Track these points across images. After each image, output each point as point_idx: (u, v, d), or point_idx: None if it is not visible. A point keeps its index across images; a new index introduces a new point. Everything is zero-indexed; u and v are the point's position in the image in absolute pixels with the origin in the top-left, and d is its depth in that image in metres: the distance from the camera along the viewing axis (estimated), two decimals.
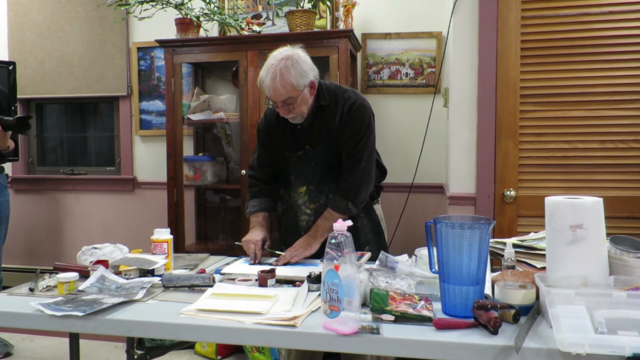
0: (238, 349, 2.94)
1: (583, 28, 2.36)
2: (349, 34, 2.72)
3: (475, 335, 1.15)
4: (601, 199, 1.33)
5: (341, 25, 2.91)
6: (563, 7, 2.38)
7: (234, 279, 1.63)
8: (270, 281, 1.55)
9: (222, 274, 1.70)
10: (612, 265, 1.34)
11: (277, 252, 1.91)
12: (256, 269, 1.65)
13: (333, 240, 1.19)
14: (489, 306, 1.19)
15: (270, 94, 1.80)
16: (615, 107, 2.36)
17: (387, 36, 3.10)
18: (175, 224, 2.96)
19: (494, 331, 1.14)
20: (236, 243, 2.07)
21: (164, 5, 2.88)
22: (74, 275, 1.54)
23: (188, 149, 3.25)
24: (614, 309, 1.11)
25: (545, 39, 2.40)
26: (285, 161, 2.01)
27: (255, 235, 1.93)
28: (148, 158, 3.51)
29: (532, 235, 1.73)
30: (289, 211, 2.05)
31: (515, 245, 1.59)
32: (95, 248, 1.79)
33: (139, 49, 3.46)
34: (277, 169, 2.05)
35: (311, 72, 1.83)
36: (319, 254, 1.84)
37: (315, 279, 1.46)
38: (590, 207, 1.30)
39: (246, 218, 2.85)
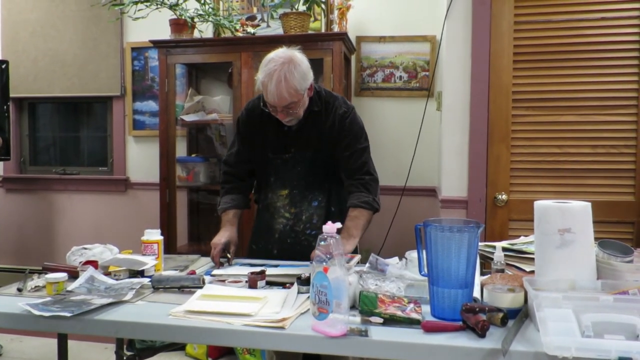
0: (229, 351, 2.93)
1: (575, 34, 2.38)
2: (343, 36, 2.73)
3: (463, 338, 1.16)
4: (589, 204, 1.33)
5: (336, 28, 2.91)
6: (556, 13, 2.39)
7: (224, 281, 1.63)
8: (260, 283, 1.55)
9: (212, 275, 1.70)
10: (600, 269, 1.35)
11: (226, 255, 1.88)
12: (247, 271, 1.64)
13: (322, 243, 1.19)
14: (477, 309, 1.19)
15: (274, 100, 1.73)
16: (606, 112, 2.37)
17: (381, 39, 3.11)
18: (167, 225, 2.95)
19: (482, 334, 1.15)
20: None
21: (159, 6, 2.87)
22: (62, 275, 1.53)
23: (181, 149, 3.25)
24: (601, 313, 1.12)
25: (538, 44, 2.41)
26: (264, 161, 1.97)
27: (219, 238, 1.87)
28: (141, 159, 3.50)
29: (522, 239, 1.73)
30: (265, 212, 2.01)
31: (505, 249, 1.60)
32: (85, 248, 1.78)
33: (133, 49, 3.44)
34: (254, 166, 2.02)
35: (310, 74, 1.79)
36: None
37: (305, 281, 1.46)
38: (578, 211, 1.31)
39: (239, 220, 2.87)
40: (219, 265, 1.82)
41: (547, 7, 2.40)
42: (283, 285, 1.57)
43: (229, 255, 1.87)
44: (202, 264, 1.92)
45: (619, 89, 2.36)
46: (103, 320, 1.31)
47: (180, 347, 2.96)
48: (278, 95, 1.71)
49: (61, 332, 1.58)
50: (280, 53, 1.77)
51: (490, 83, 2.43)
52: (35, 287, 1.56)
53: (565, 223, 1.30)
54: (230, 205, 1.99)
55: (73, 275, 1.63)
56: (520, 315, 1.26)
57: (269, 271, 1.66)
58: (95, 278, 1.58)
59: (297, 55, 1.77)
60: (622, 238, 2.25)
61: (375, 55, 3.13)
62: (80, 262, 1.68)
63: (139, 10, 2.86)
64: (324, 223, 1.27)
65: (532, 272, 1.47)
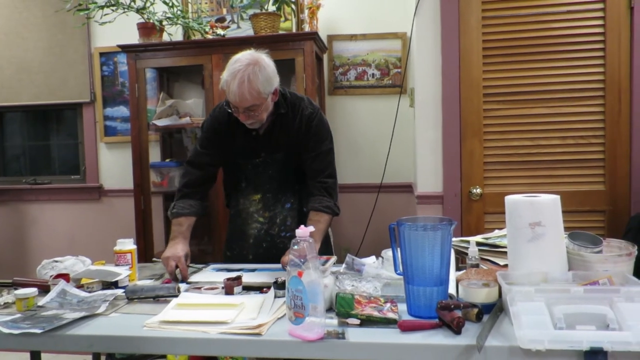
0: (211, 356, 2.90)
1: (542, 27, 2.42)
2: (314, 36, 2.72)
3: (439, 335, 1.16)
4: (558, 197, 1.35)
5: (306, 28, 2.91)
6: (522, 7, 2.43)
7: (200, 288, 1.61)
8: (237, 288, 1.53)
9: (188, 283, 1.67)
10: (571, 260, 1.37)
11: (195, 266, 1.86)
12: (223, 277, 1.62)
13: (296, 247, 1.19)
14: (452, 306, 1.20)
15: (235, 99, 1.72)
16: (575, 104, 2.42)
17: (352, 37, 3.11)
18: (143, 232, 2.91)
19: (457, 331, 1.15)
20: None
21: (125, 10, 2.82)
22: (32, 290, 1.48)
23: (155, 155, 3.20)
24: (572, 304, 1.13)
25: (506, 38, 2.44)
26: (233, 167, 1.95)
27: (177, 251, 1.78)
28: (114, 165, 3.44)
29: (496, 232, 1.75)
30: (237, 217, 2.00)
31: (479, 244, 1.61)
32: (56, 261, 1.74)
33: (101, 54, 3.38)
34: (216, 171, 2.00)
35: (275, 79, 1.78)
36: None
37: (281, 285, 1.45)
38: (548, 204, 1.33)
39: (215, 223, 2.85)
40: (186, 279, 1.73)
41: (514, 2, 2.43)
42: (260, 289, 1.56)
43: (193, 268, 1.83)
44: (178, 272, 1.88)
45: (586, 80, 2.40)
46: (76, 335, 1.28)
47: (161, 355, 2.91)
48: (240, 95, 1.69)
49: (33, 350, 1.54)
50: (247, 54, 1.75)
51: (461, 78, 2.45)
52: (5, 303, 1.52)
53: (535, 217, 1.31)
54: (188, 212, 1.90)
55: (44, 289, 1.58)
56: (494, 310, 1.27)
57: (246, 276, 1.64)
58: (67, 291, 1.54)
59: (264, 59, 1.75)
60: (593, 227, 2.31)
61: (347, 54, 3.13)
62: (51, 276, 1.64)
63: (105, 14, 2.80)
64: (298, 224, 1.28)
65: (507, 265, 1.49)
